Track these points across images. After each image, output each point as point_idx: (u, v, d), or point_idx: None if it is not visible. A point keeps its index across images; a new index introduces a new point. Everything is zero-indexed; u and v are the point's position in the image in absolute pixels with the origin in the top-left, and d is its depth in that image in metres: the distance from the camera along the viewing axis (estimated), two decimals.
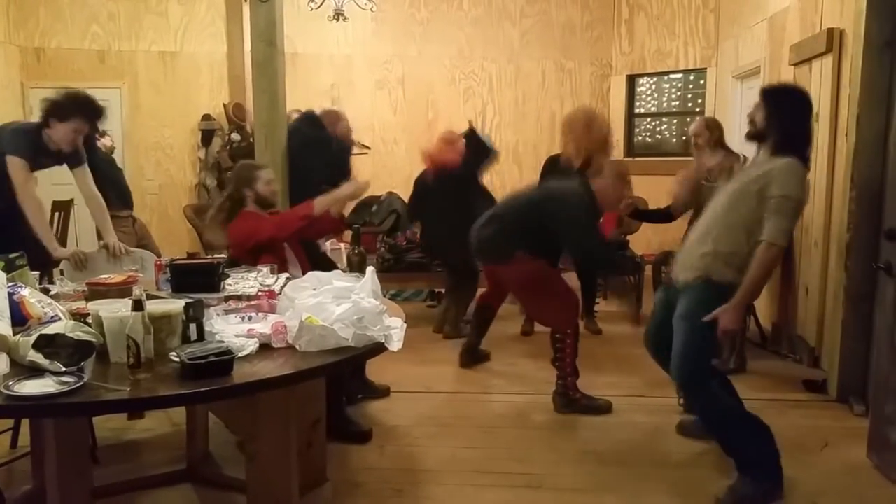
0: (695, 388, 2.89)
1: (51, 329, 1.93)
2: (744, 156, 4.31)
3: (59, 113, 3.57)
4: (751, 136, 2.90)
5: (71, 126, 3.58)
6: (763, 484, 2.79)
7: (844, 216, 3.90)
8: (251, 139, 5.80)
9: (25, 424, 3.11)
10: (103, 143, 5.77)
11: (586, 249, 3.81)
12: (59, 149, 3.66)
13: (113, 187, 5.89)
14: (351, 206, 6.40)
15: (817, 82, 4.36)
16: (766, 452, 2.82)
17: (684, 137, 7.43)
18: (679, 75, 7.45)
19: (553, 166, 4.95)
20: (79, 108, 3.60)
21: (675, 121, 7.62)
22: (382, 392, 3.97)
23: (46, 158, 3.72)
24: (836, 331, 3.95)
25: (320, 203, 3.52)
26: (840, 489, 2.92)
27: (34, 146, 3.60)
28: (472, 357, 4.53)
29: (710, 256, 2.79)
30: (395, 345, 2.24)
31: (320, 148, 4.68)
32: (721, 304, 2.74)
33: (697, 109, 7.27)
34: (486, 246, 3.90)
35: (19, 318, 2.09)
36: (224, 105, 7.52)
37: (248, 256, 3.37)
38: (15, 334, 1.98)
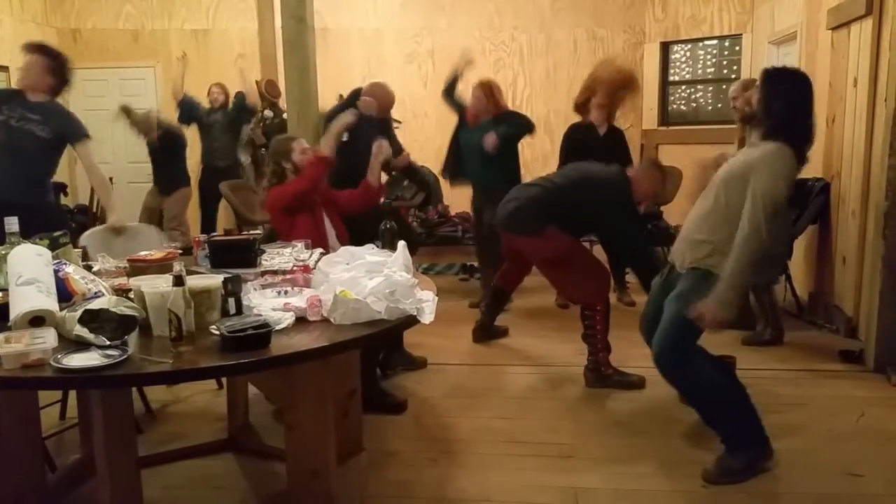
0: (670, 365, 2.83)
1: (95, 304, 1.98)
2: None
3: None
4: (746, 119, 2.80)
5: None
6: (748, 453, 2.77)
7: (883, 184, 3.82)
8: (284, 115, 5.82)
9: (73, 396, 3.22)
10: None
11: (634, 251, 3.79)
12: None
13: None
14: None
15: (856, 47, 4.25)
16: (749, 425, 2.79)
17: (720, 105, 7.31)
18: (714, 41, 7.30)
19: (579, 134, 5.03)
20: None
21: (710, 88, 7.48)
22: (420, 363, 4.04)
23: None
24: (874, 300, 3.90)
25: (326, 144, 3.63)
26: (876, 460, 2.90)
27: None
28: (486, 334, 4.54)
29: (706, 246, 2.74)
30: (427, 317, 2.27)
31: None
32: None
33: (733, 76, 7.11)
34: (516, 217, 3.83)
35: (65, 294, 2.15)
36: (256, 82, 7.56)
37: (284, 221, 3.42)
38: (61, 310, 2.04)
